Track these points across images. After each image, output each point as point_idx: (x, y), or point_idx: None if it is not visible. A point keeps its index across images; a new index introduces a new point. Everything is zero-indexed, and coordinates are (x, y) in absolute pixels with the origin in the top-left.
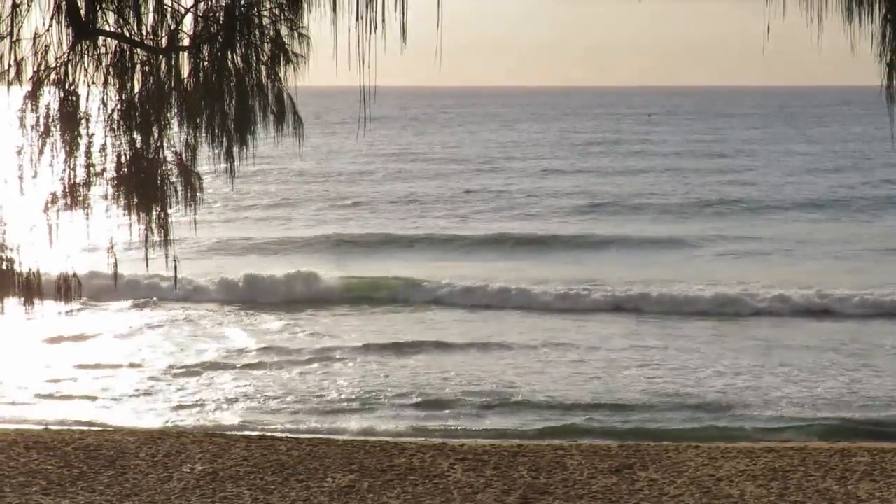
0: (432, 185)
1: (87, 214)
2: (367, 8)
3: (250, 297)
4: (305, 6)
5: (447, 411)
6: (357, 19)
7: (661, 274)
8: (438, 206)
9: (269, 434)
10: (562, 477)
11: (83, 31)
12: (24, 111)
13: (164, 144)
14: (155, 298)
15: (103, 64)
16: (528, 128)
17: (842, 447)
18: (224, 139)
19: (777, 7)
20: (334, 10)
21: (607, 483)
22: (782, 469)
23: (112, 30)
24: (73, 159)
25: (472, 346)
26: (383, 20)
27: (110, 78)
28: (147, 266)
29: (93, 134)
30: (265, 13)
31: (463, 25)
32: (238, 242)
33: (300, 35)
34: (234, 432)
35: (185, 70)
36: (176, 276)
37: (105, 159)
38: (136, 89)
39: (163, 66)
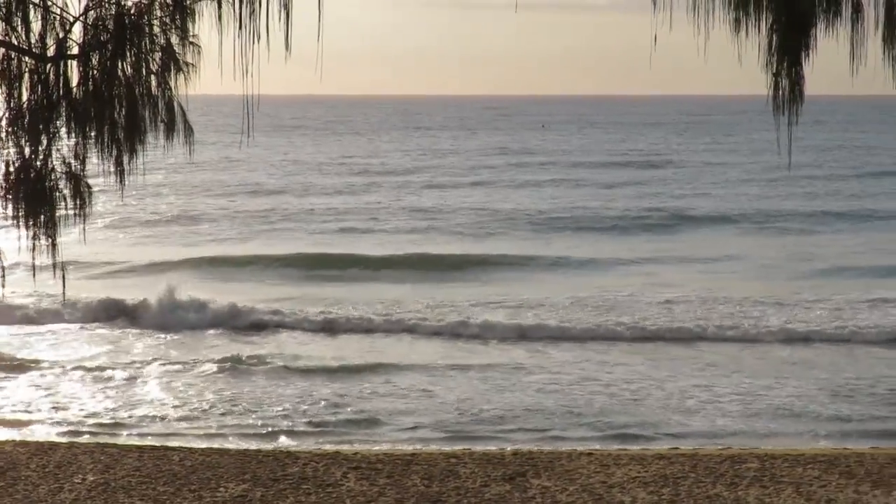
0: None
1: None
2: (249, 18)
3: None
4: (194, 15)
5: None
6: (240, 28)
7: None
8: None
9: (161, 444)
10: (455, 485)
11: None
12: None
13: (53, 154)
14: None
15: None
16: (422, 136)
17: (732, 453)
18: (114, 148)
19: (664, 18)
20: (219, 19)
21: (500, 491)
22: (673, 476)
23: None
24: None
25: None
26: (267, 31)
27: None
28: (34, 277)
29: None
30: (155, 22)
31: (345, 34)
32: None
33: (191, 44)
34: (126, 442)
35: (75, 79)
36: (64, 289)
37: None
38: (25, 98)
39: (51, 74)
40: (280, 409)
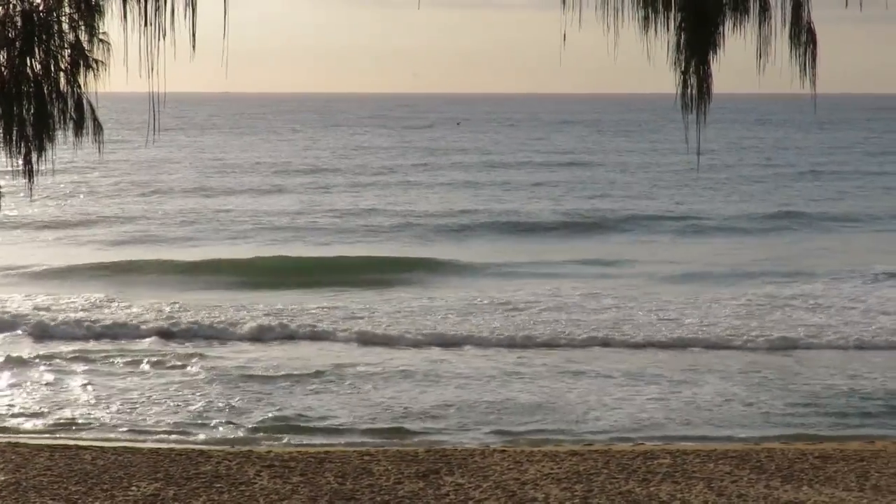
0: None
1: None
2: (154, 14)
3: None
4: (102, 12)
5: None
6: (145, 25)
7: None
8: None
9: (73, 443)
10: (368, 483)
11: None
12: None
13: None
14: None
15: None
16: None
17: (644, 449)
18: (22, 146)
19: (573, 16)
20: (125, 16)
21: (413, 488)
22: (586, 472)
23: None
24: None
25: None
26: (173, 27)
27: None
28: None
29: None
30: (64, 19)
31: (257, 32)
32: None
33: (100, 41)
34: (38, 441)
35: None
36: None
37: None
38: None
39: None
40: (196, 410)
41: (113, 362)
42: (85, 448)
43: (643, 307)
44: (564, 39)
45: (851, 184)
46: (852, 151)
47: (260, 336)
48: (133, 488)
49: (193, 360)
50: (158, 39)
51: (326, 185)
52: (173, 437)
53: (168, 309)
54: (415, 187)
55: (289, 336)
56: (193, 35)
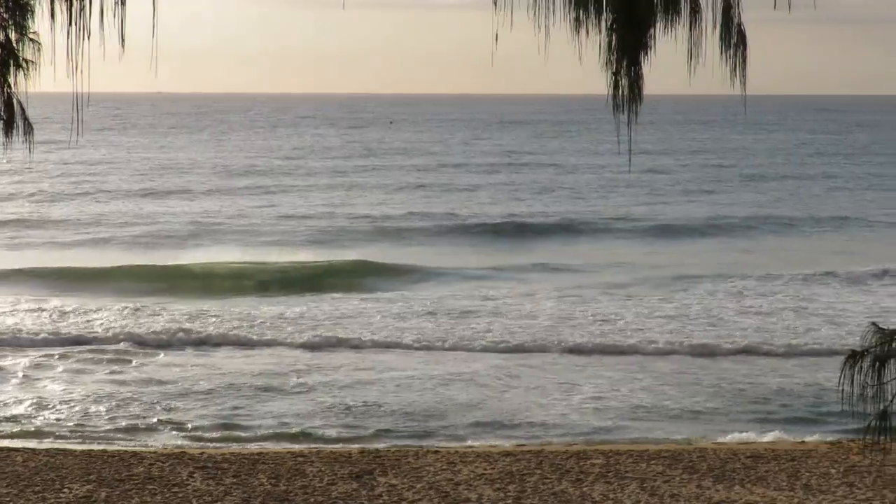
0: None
1: None
2: (80, 13)
3: None
4: (33, 12)
5: None
6: (70, 24)
7: None
8: None
9: (4, 445)
10: (301, 484)
11: None
12: None
13: None
14: None
15: None
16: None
17: (577, 450)
18: None
19: (505, 17)
20: (52, 15)
21: (347, 489)
22: (519, 472)
23: None
24: None
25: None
26: (101, 27)
27: None
28: None
29: None
30: None
31: (197, 31)
32: None
33: (30, 40)
34: None
35: None
36: None
37: None
38: None
39: None
40: (134, 413)
41: (51, 366)
42: (16, 450)
43: (581, 310)
44: (496, 40)
45: (795, 184)
46: (795, 153)
47: (200, 341)
48: (65, 490)
49: (132, 365)
50: (83, 38)
51: (267, 186)
52: (109, 439)
53: (108, 313)
54: (356, 188)
55: (226, 341)
56: (122, 34)
